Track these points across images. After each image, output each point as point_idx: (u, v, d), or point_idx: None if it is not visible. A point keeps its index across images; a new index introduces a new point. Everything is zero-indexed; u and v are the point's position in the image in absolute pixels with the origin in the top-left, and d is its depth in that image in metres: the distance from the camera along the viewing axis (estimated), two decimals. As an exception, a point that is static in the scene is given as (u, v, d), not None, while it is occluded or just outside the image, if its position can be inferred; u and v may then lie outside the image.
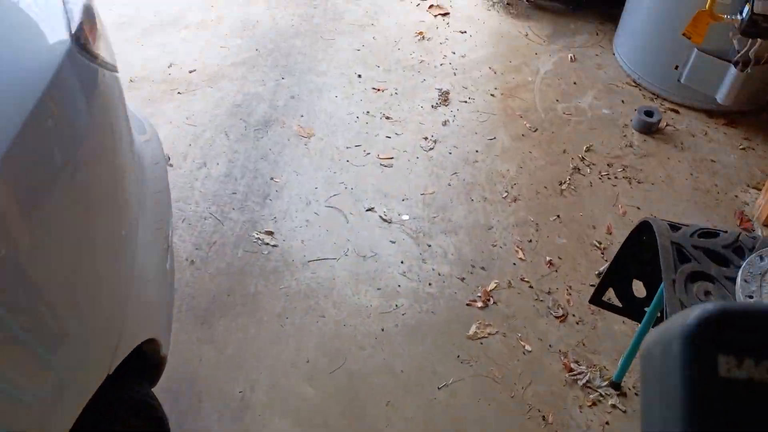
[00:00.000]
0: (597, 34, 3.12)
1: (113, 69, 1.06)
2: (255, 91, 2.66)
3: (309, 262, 2.08)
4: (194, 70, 2.73)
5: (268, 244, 2.12)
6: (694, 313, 0.42)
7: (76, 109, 0.91)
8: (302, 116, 2.58)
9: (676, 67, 2.67)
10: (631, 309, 1.67)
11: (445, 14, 3.17)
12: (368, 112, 2.62)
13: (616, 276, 1.64)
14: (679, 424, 0.40)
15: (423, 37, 3.01)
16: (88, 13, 0.99)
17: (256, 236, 2.14)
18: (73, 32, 0.91)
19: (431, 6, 3.20)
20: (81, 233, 0.90)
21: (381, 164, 2.42)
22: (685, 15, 2.53)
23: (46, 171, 0.82)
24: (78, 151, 0.89)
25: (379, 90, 2.73)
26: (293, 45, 2.91)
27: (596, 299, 1.68)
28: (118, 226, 1.02)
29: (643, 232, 1.48)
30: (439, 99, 2.71)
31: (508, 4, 3.27)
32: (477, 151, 2.50)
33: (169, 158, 2.35)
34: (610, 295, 1.66)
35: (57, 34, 0.90)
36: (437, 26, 3.09)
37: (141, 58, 2.76)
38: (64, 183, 0.85)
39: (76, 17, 0.95)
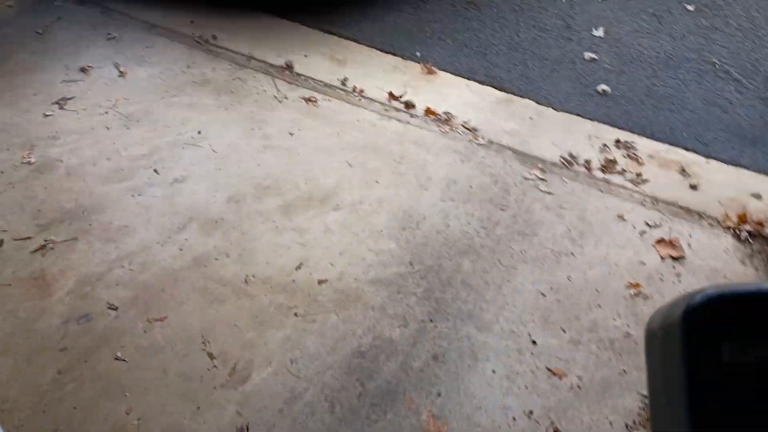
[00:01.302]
0: None
1: None
2: (389, 336, 2.01)
3: None
4: (325, 281, 2.14)
5: None
6: (695, 299, 0.42)
7: None
8: (439, 396, 1.88)
9: None
10: None
11: (678, 258, 2.29)
12: (531, 412, 1.85)
13: None
14: (684, 414, 0.40)
15: (639, 293, 2.17)
16: None
17: None
18: None
19: (660, 241, 2.34)
20: None
21: None
22: None
23: None
24: None
25: (555, 374, 1.94)
26: (459, 267, 2.21)
27: None
28: None
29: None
30: (639, 418, 1.86)
31: (774, 258, 2.31)
32: None
33: (248, 429, 1.77)
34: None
35: None
36: (662, 276, 2.23)
37: (270, 246, 2.23)
38: None
39: None
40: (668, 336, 0.42)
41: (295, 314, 2.05)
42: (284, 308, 2.07)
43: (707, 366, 0.40)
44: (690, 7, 3.42)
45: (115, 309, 2.01)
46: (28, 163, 2.44)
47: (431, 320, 2.07)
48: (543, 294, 2.16)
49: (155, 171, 2.43)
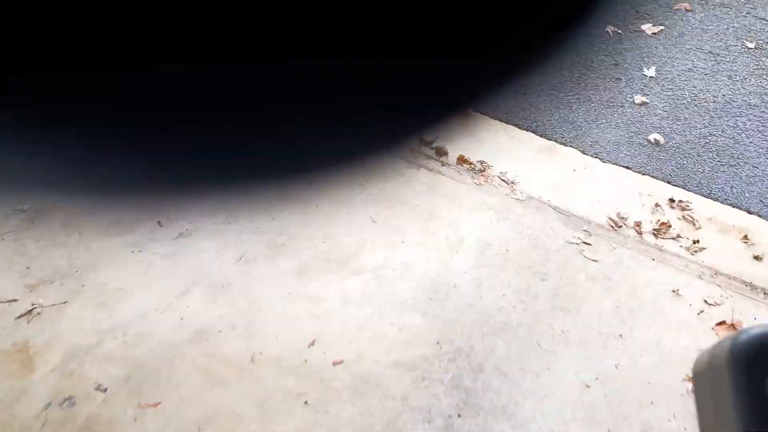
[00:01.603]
0: None
1: None
2: (411, 434, 1.76)
3: None
4: (341, 362, 1.90)
5: None
6: (739, 338, 0.42)
7: None
8: None
9: None
10: None
11: (743, 346, 2.01)
12: None
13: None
14: None
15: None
16: None
17: None
18: None
19: (721, 323, 2.06)
20: None
21: None
22: None
23: None
24: None
25: (602, 490, 1.68)
26: (493, 348, 1.96)
27: None
28: None
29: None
30: None
31: None
32: None
33: None
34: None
35: None
36: (725, 368, 1.95)
37: (282, 319, 2.00)
38: None
39: None
40: (716, 375, 0.42)
41: (306, 402, 1.81)
42: (293, 394, 1.83)
43: (756, 401, 0.40)
44: (750, 45, 3.12)
45: (104, 391, 1.79)
46: (21, 210, 2.24)
47: (459, 415, 1.82)
48: (587, 386, 1.90)
49: (159, 223, 2.22)
